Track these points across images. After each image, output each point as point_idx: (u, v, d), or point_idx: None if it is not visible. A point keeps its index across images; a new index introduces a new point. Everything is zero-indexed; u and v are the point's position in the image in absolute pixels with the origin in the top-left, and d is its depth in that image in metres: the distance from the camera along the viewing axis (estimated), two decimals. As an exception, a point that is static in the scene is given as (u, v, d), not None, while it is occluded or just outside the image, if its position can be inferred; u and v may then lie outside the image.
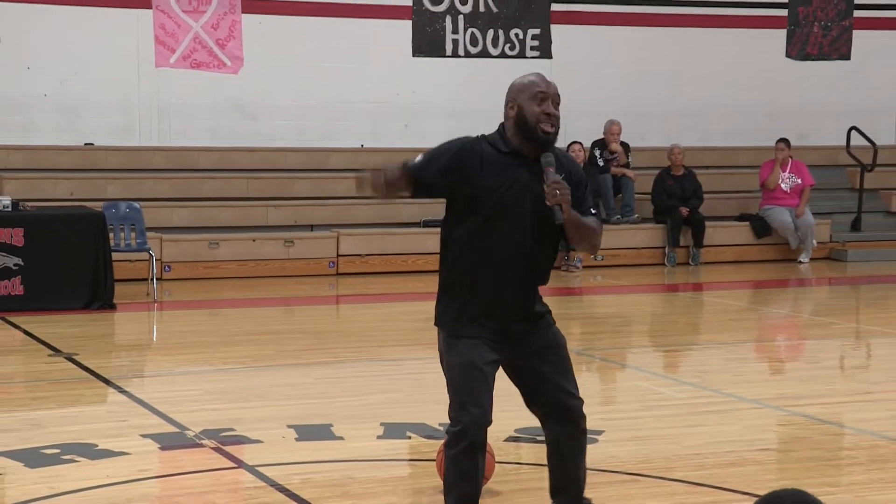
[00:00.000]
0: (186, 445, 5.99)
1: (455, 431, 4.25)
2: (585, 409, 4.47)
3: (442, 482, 5.16)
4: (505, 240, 4.22)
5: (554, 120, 4.25)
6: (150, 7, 13.69)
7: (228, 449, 5.90)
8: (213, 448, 5.92)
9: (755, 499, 5.15)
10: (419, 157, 4.26)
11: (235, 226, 13.22)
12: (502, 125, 4.37)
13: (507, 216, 4.21)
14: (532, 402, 4.46)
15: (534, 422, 6.41)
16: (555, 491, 4.60)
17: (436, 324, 4.37)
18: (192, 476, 5.52)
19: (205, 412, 6.68)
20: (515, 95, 4.31)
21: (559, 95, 4.29)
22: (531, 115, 4.23)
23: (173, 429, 6.30)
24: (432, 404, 6.88)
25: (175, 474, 5.63)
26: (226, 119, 14.17)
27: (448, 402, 4.29)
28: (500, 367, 4.38)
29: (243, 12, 13.99)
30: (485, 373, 4.26)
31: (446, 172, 4.22)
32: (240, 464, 5.68)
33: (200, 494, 5.25)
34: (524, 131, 4.25)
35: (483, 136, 4.38)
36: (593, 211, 4.38)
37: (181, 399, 7.07)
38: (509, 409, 6.72)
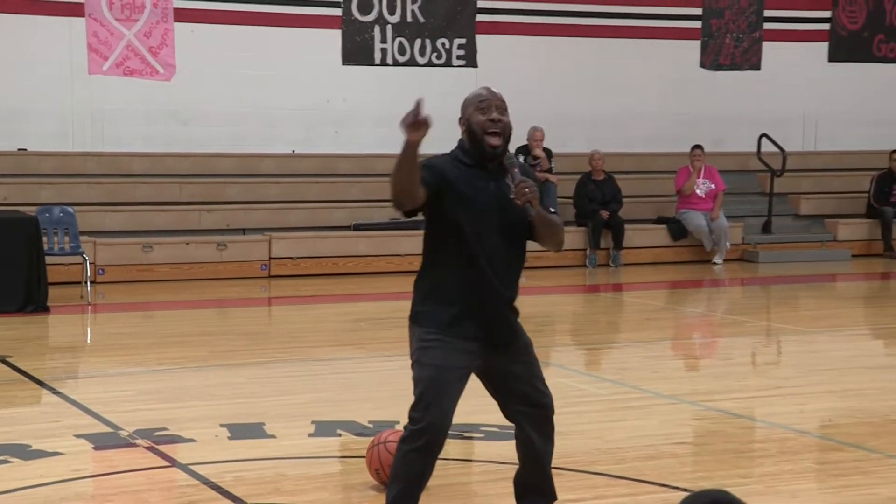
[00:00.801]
0: (120, 445, 5.91)
1: (415, 429, 4.24)
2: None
3: (373, 477, 5.16)
4: (483, 248, 4.25)
5: (500, 126, 4.27)
6: (82, 15, 13.53)
7: (162, 448, 5.83)
8: (146, 447, 5.85)
9: (672, 490, 5.22)
10: None
11: (169, 229, 13.08)
12: (461, 141, 4.38)
13: (483, 225, 4.24)
14: (504, 401, 4.46)
15: (460, 419, 6.44)
16: (525, 489, 4.56)
17: (413, 321, 4.34)
18: (126, 475, 5.44)
19: (138, 412, 6.60)
20: (464, 110, 4.35)
21: (505, 102, 4.31)
22: (477, 124, 4.27)
23: (107, 429, 6.21)
24: (362, 402, 6.88)
25: (109, 473, 5.55)
26: (159, 125, 14.03)
27: (413, 398, 4.27)
28: (473, 373, 4.37)
29: (175, 21, 13.88)
30: (455, 378, 4.27)
31: (431, 182, 4.19)
32: (173, 463, 5.62)
33: (134, 493, 5.18)
34: (475, 143, 4.29)
35: (446, 154, 4.38)
36: (553, 210, 4.45)
37: (115, 399, 6.97)
38: (437, 407, 6.75)
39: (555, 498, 4.58)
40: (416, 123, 4.01)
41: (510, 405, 4.44)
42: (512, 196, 4.20)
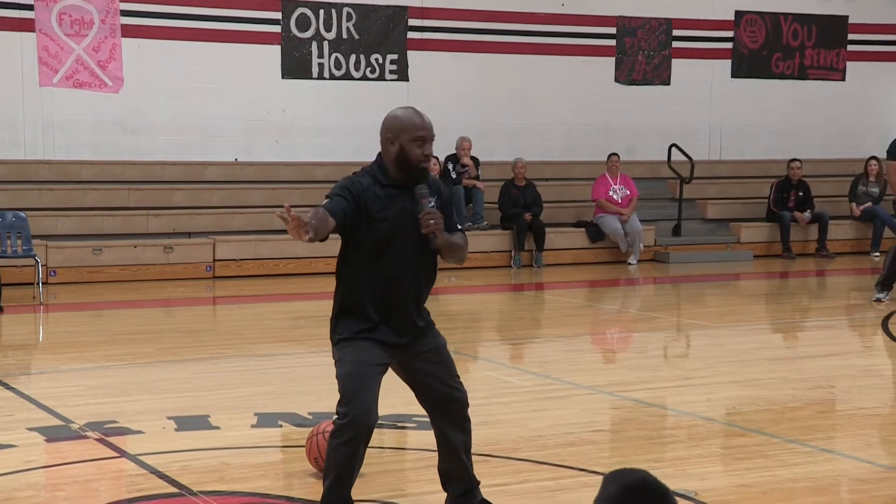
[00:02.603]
0: (71, 437, 5.82)
1: (341, 424, 4.21)
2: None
3: (312, 465, 5.13)
4: (394, 263, 4.23)
5: (430, 158, 4.29)
6: (33, 30, 13.30)
7: (111, 440, 5.75)
8: (96, 439, 5.76)
9: (591, 474, 5.25)
10: (325, 201, 4.18)
11: (117, 233, 12.91)
12: (380, 156, 4.31)
13: (395, 242, 4.23)
14: (421, 398, 4.47)
15: (393, 409, 6.43)
16: (447, 478, 4.56)
17: (333, 339, 4.33)
18: (77, 466, 5.36)
19: (89, 406, 6.50)
20: (397, 134, 4.24)
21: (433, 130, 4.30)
22: (413, 156, 4.22)
23: (58, 422, 6.11)
24: (302, 395, 6.84)
25: (60, 464, 5.46)
26: (107, 134, 13.83)
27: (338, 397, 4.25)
28: (391, 369, 4.37)
29: (123, 36, 13.70)
30: (374, 373, 4.25)
31: (346, 210, 4.16)
32: (122, 453, 5.54)
33: (85, 483, 5.10)
34: (405, 169, 4.25)
35: (364, 170, 4.31)
36: (459, 227, 4.42)
37: (66, 394, 6.86)
38: (372, 399, 6.73)
39: (476, 483, 4.58)
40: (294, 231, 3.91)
41: (425, 401, 4.46)
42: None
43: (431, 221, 4.17)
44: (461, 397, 4.44)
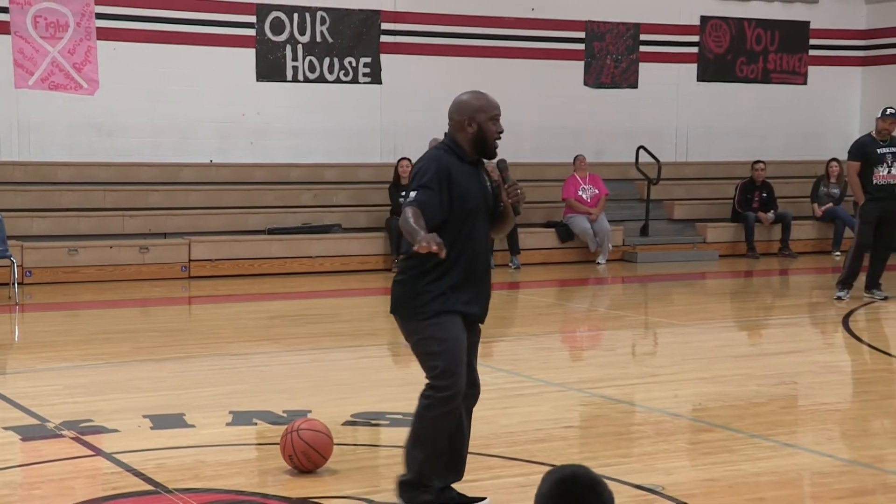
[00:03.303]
0: (47, 436, 5.77)
1: (442, 397, 4.33)
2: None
3: (286, 463, 5.11)
4: (476, 234, 4.44)
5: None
6: (8, 33, 13.18)
7: (87, 438, 5.71)
8: (72, 438, 5.71)
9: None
10: (413, 193, 4.32)
11: (93, 234, 12.82)
12: (453, 137, 4.49)
13: (477, 215, 4.44)
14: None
15: (368, 407, 6.41)
16: (444, 470, 4.59)
17: (416, 314, 4.38)
18: (53, 464, 5.31)
19: (65, 405, 6.45)
20: (474, 114, 4.47)
21: None
22: (490, 134, 4.47)
23: (34, 421, 6.06)
24: (277, 394, 6.81)
25: (36, 463, 5.41)
26: (83, 136, 13.73)
27: (429, 370, 4.38)
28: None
29: (98, 39, 13.61)
30: (464, 347, 4.40)
31: (442, 202, 4.33)
32: (98, 452, 5.50)
33: (61, 481, 5.05)
34: (481, 147, 4.47)
35: (442, 148, 4.50)
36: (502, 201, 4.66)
37: (42, 394, 6.80)
38: (345, 396, 6.71)
39: (460, 478, 4.62)
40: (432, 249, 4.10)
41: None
42: (498, 192, 4.50)
43: (518, 192, 4.46)
44: (479, 386, 4.61)
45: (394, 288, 4.51)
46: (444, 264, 4.34)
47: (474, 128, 4.45)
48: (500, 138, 4.51)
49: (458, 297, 4.39)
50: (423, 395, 4.40)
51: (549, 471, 2.57)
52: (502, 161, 4.56)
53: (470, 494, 4.65)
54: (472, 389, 4.54)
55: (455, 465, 4.60)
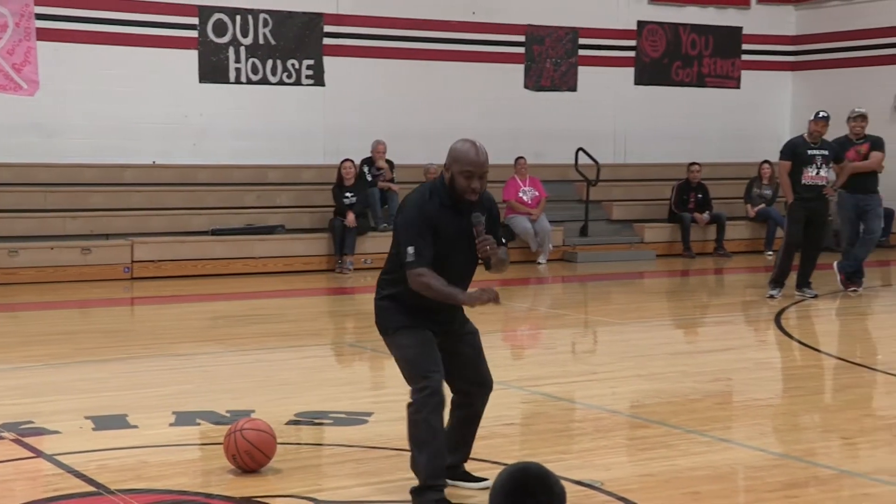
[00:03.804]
0: (-13, 439, 5.66)
1: (424, 395, 4.45)
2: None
3: (230, 462, 5.06)
4: (449, 269, 4.55)
5: (479, 191, 4.56)
6: (-52, 32, 12.92)
7: (27, 440, 5.60)
8: (12, 440, 5.61)
9: (503, 466, 5.27)
10: (411, 251, 4.48)
11: (33, 235, 12.60)
12: (443, 177, 4.61)
13: (452, 250, 4.55)
14: (459, 376, 4.71)
15: (311, 406, 6.38)
16: (457, 446, 4.77)
17: (387, 329, 4.63)
18: (-7, 467, 5.21)
19: (4, 407, 6.32)
20: (451, 163, 4.57)
21: (487, 164, 4.57)
22: (460, 187, 4.54)
23: (-26, 424, 5.94)
24: (220, 394, 6.75)
25: (-24, 466, 5.30)
26: (23, 137, 13.49)
27: (407, 380, 4.58)
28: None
29: (38, 40, 13.39)
30: (435, 345, 4.54)
31: (427, 238, 4.50)
32: (39, 453, 5.40)
33: (1, 483, 4.96)
34: (455, 195, 4.56)
35: (430, 189, 4.60)
36: (504, 241, 4.75)
37: (-18, 396, 6.67)
38: (289, 396, 6.67)
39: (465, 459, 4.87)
40: (484, 301, 4.47)
41: (463, 379, 4.72)
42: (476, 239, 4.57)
43: (487, 248, 4.54)
44: (492, 382, 4.75)
45: (375, 308, 4.74)
46: (415, 294, 4.53)
47: (449, 175, 4.58)
48: (474, 195, 4.54)
49: (426, 316, 4.58)
50: (409, 403, 4.55)
51: (503, 469, 2.67)
52: (476, 216, 4.56)
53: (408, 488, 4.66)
54: (481, 388, 4.75)
55: (462, 448, 4.81)
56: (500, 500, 2.58)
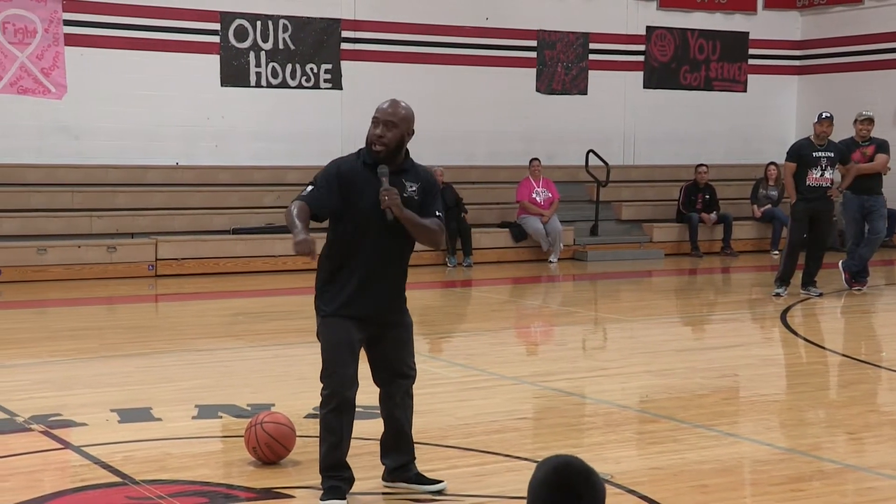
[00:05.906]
0: (16, 430, 5.69)
1: (326, 394, 4.39)
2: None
3: (250, 455, 5.08)
4: (371, 238, 4.34)
5: (385, 139, 4.35)
6: (-22, 37, 12.99)
7: (56, 432, 5.63)
8: (41, 432, 5.64)
9: (515, 459, 5.27)
10: (309, 187, 4.36)
11: (61, 234, 12.66)
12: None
13: (372, 219, 4.33)
14: (379, 368, 4.57)
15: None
16: (387, 450, 4.66)
17: (316, 301, 4.47)
18: (22, 457, 5.23)
19: (33, 400, 6.36)
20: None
21: (396, 117, 4.38)
22: (369, 135, 4.40)
23: (3, 415, 5.97)
24: (241, 388, 6.77)
25: (6, 456, 5.32)
26: (51, 139, 13.55)
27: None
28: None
29: (66, 45, 13.45)
30: (352, 347, 4.39)
31: (327, 190, 4.32)
32: (66, 445, 5.43)
33: (29, 473, 4.98)
34: (368, 148, 4.42)
35: (360, 150, 4.47)
36: (438, 214, 4.48)
37: (11, 389, 6.70)
38: (307, 390, 6.68)
39: (413, 457, 4.67)
40: (299, 252, 4.19)
41: (379, 374, 4.58)
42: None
43: (386, 197, 4.27)
44: (412, 376, 4.60)
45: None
46: (341, 266, 4.37)
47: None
48: (378, 143, 4.33)
49: (350, 300, 4.36)
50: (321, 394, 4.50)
51: (543, 460, 2.56)
52: (381, 167, 4.33)
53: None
54: (401, 379, 4.57)
55: (402, 444, 4.65)
56: (544, 496, 2.45)
